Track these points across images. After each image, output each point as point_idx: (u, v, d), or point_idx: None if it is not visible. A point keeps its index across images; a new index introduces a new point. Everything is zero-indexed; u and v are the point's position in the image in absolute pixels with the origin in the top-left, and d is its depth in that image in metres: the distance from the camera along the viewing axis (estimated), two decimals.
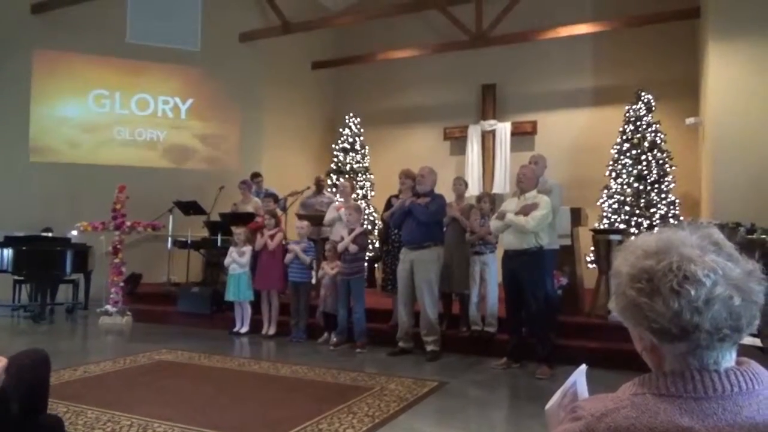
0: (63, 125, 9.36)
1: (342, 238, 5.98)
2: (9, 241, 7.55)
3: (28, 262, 7.47)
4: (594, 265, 6.85)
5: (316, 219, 7.05)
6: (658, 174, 7.96)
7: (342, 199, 6.98)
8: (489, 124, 10.15)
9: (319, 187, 7.86)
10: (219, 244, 7.66)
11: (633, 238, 1.02)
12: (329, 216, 6.76)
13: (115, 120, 9.68)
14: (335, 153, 10.39)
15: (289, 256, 6.35)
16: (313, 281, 6.58)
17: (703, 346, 0.89)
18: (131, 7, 9.63)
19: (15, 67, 9.00)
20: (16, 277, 7.89)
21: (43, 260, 7.53)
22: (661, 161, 8.02)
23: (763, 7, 6.83)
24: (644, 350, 0.97)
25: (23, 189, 8.84)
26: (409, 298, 5.56)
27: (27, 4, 9.02)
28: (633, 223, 7.83)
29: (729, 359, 0.92)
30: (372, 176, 10.28)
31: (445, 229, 5.72)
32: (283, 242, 6.67)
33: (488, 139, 10.17)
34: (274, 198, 7.44)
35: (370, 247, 8.66)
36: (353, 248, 5.78)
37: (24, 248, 7.49)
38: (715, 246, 0.92)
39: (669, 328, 0.89)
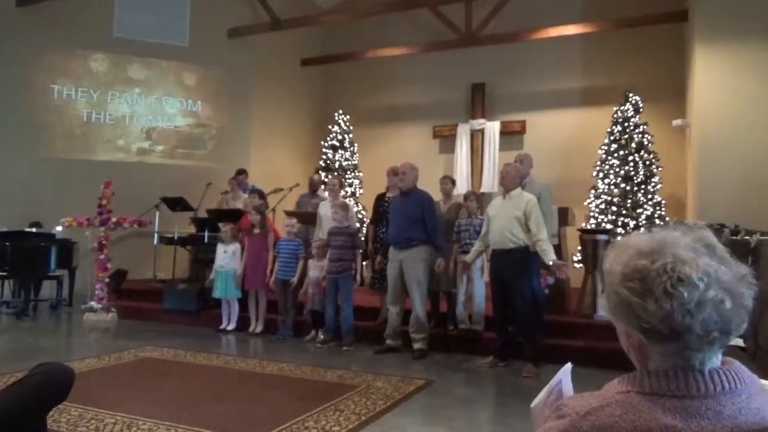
0: (49, 119, 9.23)
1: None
2: None
3: (11, 258, 7.36)
4: (581, 265, 6.89)
5: (304, 217, 7.01)
6: (644, 175, 8.03)
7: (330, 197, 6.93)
8: (478, 123, 10.17)
9: (313, 188, 7.59)
10: (206, 240, 7.62)
11: (625, 236, 1.00)
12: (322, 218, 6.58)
13: (101, 115, 9.57)
14: (324, 150, 10.36)
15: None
16: (294, 280, 6.31)
17: (692, 347, 0.89)
18: (118, 1, 9.52)
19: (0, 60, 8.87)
20: None
21: (27, 256, 7.43)
22: (647, 162, 8.08)
23: (749, 11, 6.91)
24: (631, 348, 0.96)
25: (7, 183, 8.72)
26: (398, 297, 5.56)
27: None
28: (620, 223, 7.89)
29: (715, 361, 0.92)
30: (361, 174, 10.27)
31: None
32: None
33: (477, 138, 10.19)
34: (260, 194, 7.38)
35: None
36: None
37: (7, 243, 7.38)
38: (708, 248, 0.92)
39: (660, 329, 0.89)
